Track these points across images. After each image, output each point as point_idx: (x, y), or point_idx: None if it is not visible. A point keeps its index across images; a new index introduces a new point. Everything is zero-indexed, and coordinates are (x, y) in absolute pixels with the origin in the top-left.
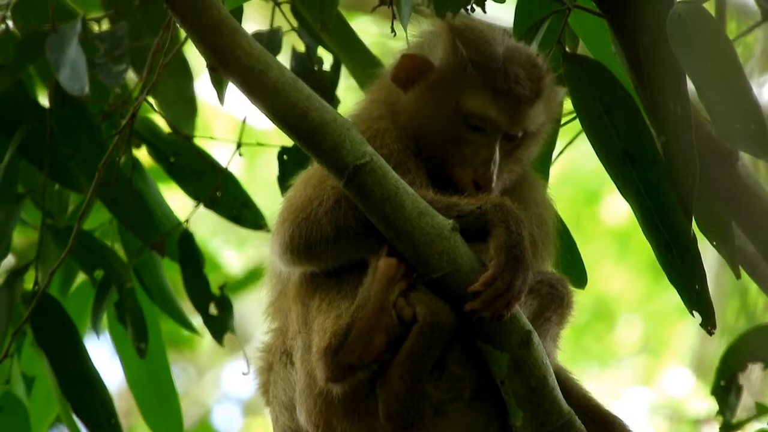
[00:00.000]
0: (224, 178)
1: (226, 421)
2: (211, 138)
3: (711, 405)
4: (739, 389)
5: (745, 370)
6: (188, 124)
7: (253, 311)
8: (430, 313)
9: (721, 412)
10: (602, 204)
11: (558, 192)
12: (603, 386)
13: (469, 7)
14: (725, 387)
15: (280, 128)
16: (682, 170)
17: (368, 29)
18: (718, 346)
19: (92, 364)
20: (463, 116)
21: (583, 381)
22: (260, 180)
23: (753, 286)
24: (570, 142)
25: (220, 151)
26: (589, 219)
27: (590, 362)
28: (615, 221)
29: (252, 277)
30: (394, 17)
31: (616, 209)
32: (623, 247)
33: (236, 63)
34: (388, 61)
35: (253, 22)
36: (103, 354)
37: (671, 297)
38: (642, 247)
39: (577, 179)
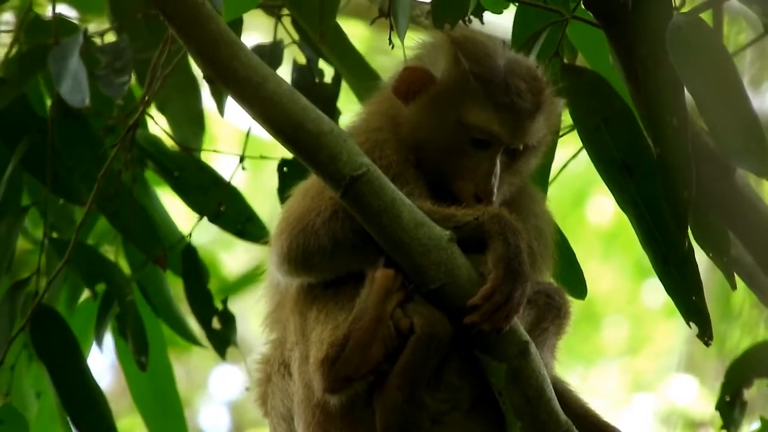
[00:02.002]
0: (228, 193)
1: (214, 423)
2: (215, 151)
3: (705, 403)
4: (743, 405)
5: (750, 385)
6: (196, 141)
7: (249, 315)
8: (427, 324)
9: (726, 427)
10: (588, 205)
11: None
12: (591, 386)
13: (466, 18)
14: (729, 402)
15: (277, 139)
16: (677, 183)
17: (365, 35)
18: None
19: (93, 377)
20: (465, 129)
21: (572, 381)
22: (264, 188)
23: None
24: (574, 156)
25: (224, 161)
26: (575, 220)
27: (576, 363)
28: (601, 222)
29: (247, 280)
30: (391, 29)
31: (602, 211)
32: (609, 247)
33: (233, 74)
34: (387, 72)
35: (254, 34)
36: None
37: (656, 297)
38: (627, 247)
39: (563, 181)
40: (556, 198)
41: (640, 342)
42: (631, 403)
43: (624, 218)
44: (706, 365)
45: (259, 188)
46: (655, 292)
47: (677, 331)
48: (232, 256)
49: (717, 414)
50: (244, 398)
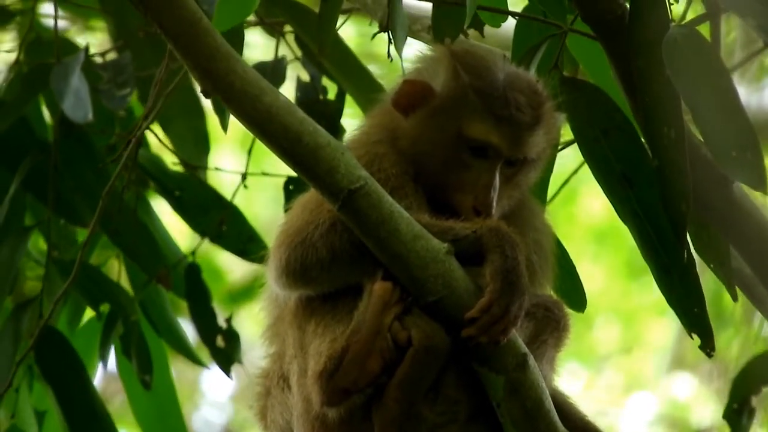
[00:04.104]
0: (229, 212)
1: (206, 422)
2: (218, 169)
3: (700, 402)
4: (751, 412)
5: (758, 393)
6: (201, 161)
7: (245, 318)
8: (425, 337)
9: None
10: (579, 203)
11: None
12: (585, 384)
13: (469, 31)
14: (737, 410)
15: (274, 153)
16: (675, 195)
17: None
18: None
19: (98, 397)
20: (464, 142)
21: (566, 380)
22: (266, 184)
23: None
24: (575, 172)
25: (227, 161)
26: (566, 218)
27: (570, 361)
28: (592, 220)
29: (250, 290)
30: (390, 42)
31: (593, 209)
32: (600, 245)
33: (230, 88)
34: (381, 76)
35: (257, 52)
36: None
37: (648, 295)
38: (619, 244)
39: (554, 180)
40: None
41: (633, 340)
42: (626, 402)
43: (615, 216)
44: (698, 363)
45: (261, 184)
46: (646, 290)
47: (669, 329)
48: (238, 260)
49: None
50: (236, 398)
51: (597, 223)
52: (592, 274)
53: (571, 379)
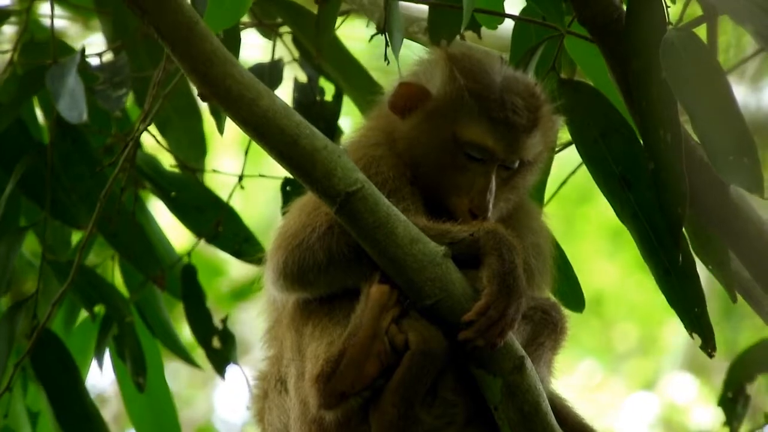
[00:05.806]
0: (225, 213)
1: (223, 420)
2: (215, 171)
3: (705, 403)
4: (746, 400)
5: (752, 381)
6: (198, 163)
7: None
8: (422, 341)
9: (729, 422)
10: (594, 202)
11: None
12: (599, 384)
13: (467, 33)
14: (732, 398)
15: (271, 156)
16: (671, 197)
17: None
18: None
19: (91, 399)
20: (460, 145)
21: (581, 378)
22: (266, 187)
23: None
24: (573, 172)
25: (224, 162)
26: (582, 218)
27: (584, 360)
28: (607, 220)
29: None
30: (387, 45)
31: (609, 208)
32: (616, 244)
33: (227, 92)
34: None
35: (254, 53)
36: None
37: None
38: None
39: (570, 178)
40: (563, 195)
41: (648, 340)
42: (633, 401)
43: None
44: (712, 364)
45: (259, 185)
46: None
47: (682, 329)
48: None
49: (719, 414)
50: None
51: (612, 221)
52: (607, 272)
53: (586, 377)
